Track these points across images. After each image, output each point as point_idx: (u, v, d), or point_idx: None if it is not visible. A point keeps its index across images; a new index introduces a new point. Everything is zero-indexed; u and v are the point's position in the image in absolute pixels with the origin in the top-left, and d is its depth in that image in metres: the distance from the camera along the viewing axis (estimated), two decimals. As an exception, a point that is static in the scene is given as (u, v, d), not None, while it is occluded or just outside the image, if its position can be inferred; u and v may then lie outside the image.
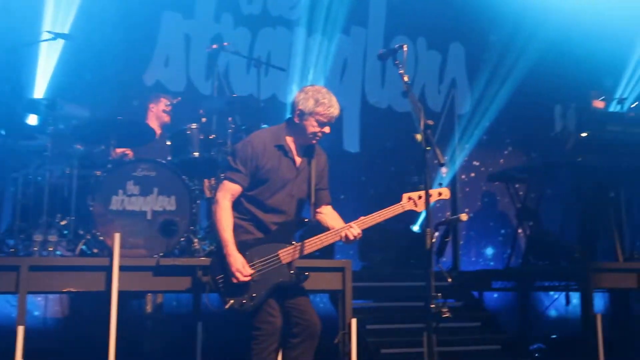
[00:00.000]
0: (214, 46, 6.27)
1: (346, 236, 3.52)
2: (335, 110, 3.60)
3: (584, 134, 6.52)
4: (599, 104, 6.89)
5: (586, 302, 5.72)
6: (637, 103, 7.49)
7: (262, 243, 3.54)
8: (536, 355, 6.77)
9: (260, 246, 3.52)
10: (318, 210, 3.76)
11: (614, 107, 7.17)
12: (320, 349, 3.86)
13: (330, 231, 3.60)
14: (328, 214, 3.75)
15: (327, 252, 5.48)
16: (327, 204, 3.79)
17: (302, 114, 3.57)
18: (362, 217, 3.59)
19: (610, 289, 7.41)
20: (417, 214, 6.16)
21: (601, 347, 5.38)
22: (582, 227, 7.01)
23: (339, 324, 4.65)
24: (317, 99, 3.56)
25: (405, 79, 3.23)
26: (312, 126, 3.58)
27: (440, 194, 3.57)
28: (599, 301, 8.02)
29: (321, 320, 3.64)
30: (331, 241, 3.62)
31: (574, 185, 6.90)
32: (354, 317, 4.62)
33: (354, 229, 3.53)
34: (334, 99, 3.61)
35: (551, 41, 8.94)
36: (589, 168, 6.61)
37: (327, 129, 3.62)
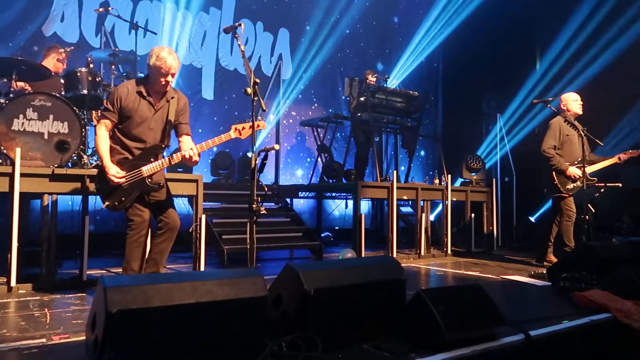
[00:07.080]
0: (101, 9, 5.65)
1: (186, 156, 3.33)
2: (171, 62, 3.30)
3: (362, 99, 6.78)
4: (372, 79, 7.22)
5: (356, 206, 5.98)
6: (395, 82, 7.99)
7: (129, 162, 3.40)
8: (324, 240, 7.23)
9: (127, 164, 3.38)
10: (179, 139, 3.58)
11: (381, 83, 7.50)
12: (182, 235, 3.81)
13: (178, 153, 3.45)
14: (186, 142, 3.56)
15: (188, 168, 5.36)
16: (187, 134, 3.55)
17: (149, 68, 3.36)
18: (202, 143, 3.40)
19: (372, 198, 8.06)
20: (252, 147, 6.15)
21: (363, 234, 5.83)
22: (357, 159, 7.29)
23: (193, 219, 4.62)
24: (157, 55, 3.31)
25: (242, 48, 3.11)
26: (156, 76, 3.35)
27: (258, 125, 3.28)
28: (365, 206, 8.75)
29: (181, 217, 3.57)
30: (178, 160, 3.42)
31: (353, 132, 7.14)
32: (204, 214, 4.62)
33: (193, 151, 3.33)
34: (171, 56, 3.31)
35: (345, 34, 9.16)
36: (363, 121, 6.87)
37: (169, 78, 3.35)
